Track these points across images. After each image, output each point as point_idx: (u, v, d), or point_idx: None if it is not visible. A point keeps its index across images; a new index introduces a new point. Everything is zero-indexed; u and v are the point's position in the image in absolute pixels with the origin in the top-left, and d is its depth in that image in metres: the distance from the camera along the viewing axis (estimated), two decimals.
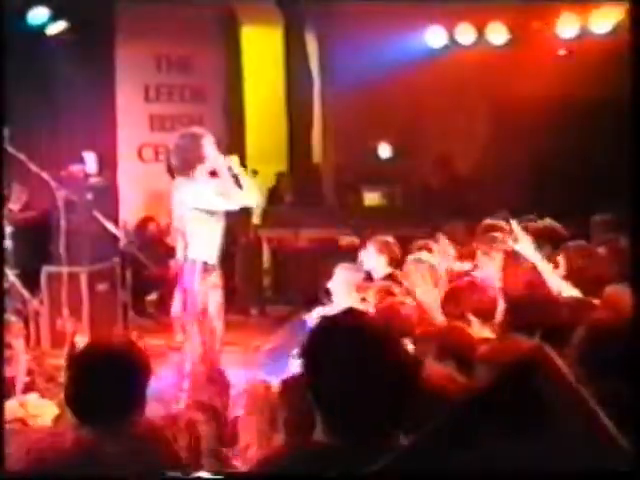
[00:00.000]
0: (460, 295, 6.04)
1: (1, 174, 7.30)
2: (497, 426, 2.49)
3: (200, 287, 8.21)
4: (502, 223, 8.50)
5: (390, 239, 8.58)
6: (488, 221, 8.94)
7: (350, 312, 2.99)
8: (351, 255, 9.10)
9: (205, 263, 8.19)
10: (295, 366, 4.84)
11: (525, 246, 7.06)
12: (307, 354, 2.71)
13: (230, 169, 8.04)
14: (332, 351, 2.64)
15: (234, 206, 8.13)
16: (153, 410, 8.37)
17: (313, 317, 8.03)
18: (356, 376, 2.58)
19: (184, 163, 8.19)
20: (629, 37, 5.16)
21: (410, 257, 7.81)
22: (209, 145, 8.15)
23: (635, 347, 3.66)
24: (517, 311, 5.18)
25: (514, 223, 7.47)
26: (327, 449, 2.61)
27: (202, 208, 8.05)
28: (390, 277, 7.98)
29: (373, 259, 8.40)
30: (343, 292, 7.73)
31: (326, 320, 2.90)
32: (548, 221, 8.36)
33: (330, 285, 7.82)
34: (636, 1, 5.03)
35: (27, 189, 11.41)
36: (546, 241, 7.66)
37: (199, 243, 8.26)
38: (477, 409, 2.56)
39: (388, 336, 2.73)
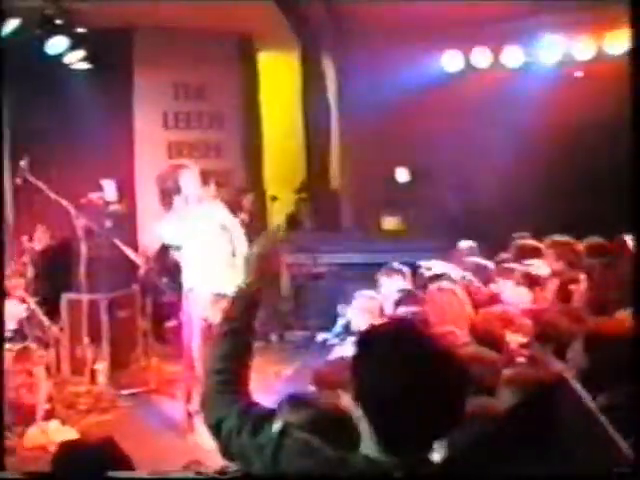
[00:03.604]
0: (490, 323, 6.05)
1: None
2: (519, 449, 2.50)
3: (198, 317, 8.36)
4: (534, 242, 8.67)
5: (396, 265, 8.66)
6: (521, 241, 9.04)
7: (398, 321, 2.93)
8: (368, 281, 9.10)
9: (208, 293, 8.33)
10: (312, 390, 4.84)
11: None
12: (354, 364, 2.66)
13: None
14: (378, 360, 2.59)
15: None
16: (168, 438, 8.44)
17: (330, 338, 8.07)
18: (404, 385, 2.53)
19: (162, 194, 8.49)
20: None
21: (432, 286, 7.81)
22: (188, 177, 8.39)
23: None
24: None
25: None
26: (374, 463, 2.57)
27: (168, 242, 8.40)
28: (408, 293, 8.03)
29: (389, 285, 8.45)
30: (360, 319, 7.74)
31: (373, 329, 2.83)
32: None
33: (348, 313, 7.84)
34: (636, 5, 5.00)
35: (49, 230, 11.51)
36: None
37: (191, 272, 8.44)
38: (502, 433, 2.57)
39: (437, 344, 2.67)
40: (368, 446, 2.61)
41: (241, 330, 3.10)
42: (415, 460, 2.54)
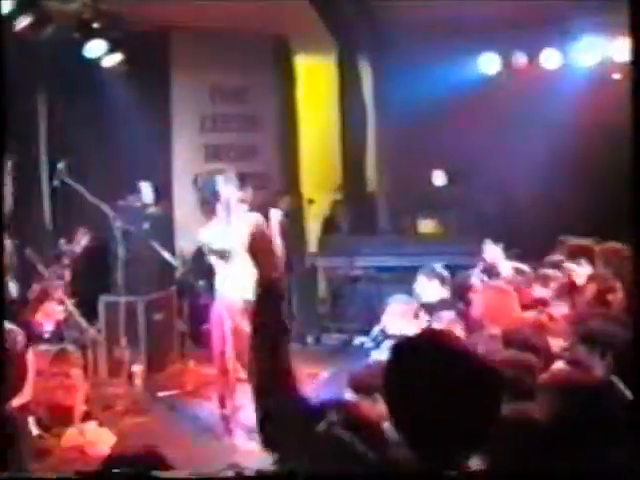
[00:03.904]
0: (523, 334, 6.02)
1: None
2: (569, 449, 2.48)
3: (229, 322, 8.35)
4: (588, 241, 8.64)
5: (437, 266, 8.64)
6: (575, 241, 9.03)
7: (429, 332, 2.89)
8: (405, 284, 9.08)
9: (239, 299, 8.32)
10: (349, 396, 4.83)
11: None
12: (385, 376, 2.64)
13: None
14: (408, 373, 2.57)
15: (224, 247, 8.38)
16: (204, 441, 8.43)
17: (367, 341, 8.06)
18: (436, 398, 2.50)
19: (201, 200, 8.48)
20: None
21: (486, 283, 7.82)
22: (225, 182, 8.38)
23: None
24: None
25: None
26: (409, 469, 2.55)
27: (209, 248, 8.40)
28: (446, 301, 8.02)
29: (426, 287, 8.43)
30: (396, 324, 7.74)
31: (405, 341, 2.80)
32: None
33: (384, 317, 7.83)
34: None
35: (89, 233, 11.55)
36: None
37: (223, 277, 8.43)
38: (547, 434, 2.56)
39: (469, 355, 2.64)
40: (402, 453, 2.59)
41: (269, 323, 3.09)
42: (449, 467, 2.52)
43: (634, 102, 4.74)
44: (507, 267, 8.29)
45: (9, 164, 6.07)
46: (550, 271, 8.21)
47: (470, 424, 2.52)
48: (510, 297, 7.13)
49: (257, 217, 8.67)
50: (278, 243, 8.46)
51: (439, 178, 14.46)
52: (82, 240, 11.76)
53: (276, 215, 8.36)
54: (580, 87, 12.82)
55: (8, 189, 6.17)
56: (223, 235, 8.37)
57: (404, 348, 2.70)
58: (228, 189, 8.37)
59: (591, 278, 7.72)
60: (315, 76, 14.90)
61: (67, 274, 10.48)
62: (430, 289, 8.41)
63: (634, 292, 5.76)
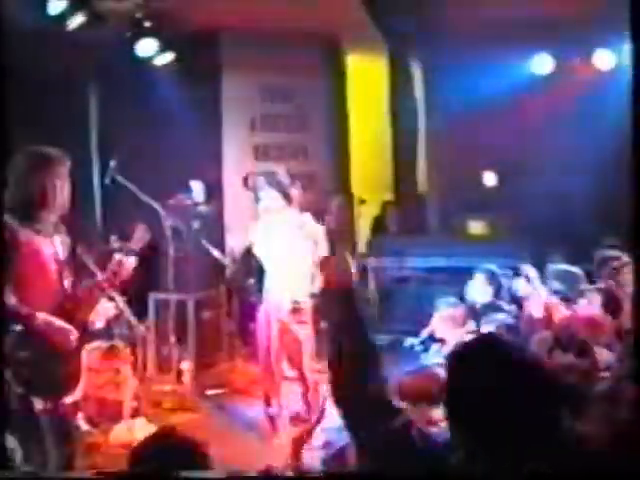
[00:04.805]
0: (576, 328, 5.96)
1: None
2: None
3: (276, 321, 8.36)
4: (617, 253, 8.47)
5: (496, 269, 8.57)
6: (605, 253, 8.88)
7: (488, 337, 2.90)
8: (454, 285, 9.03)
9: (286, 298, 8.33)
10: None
11: None
12: (448, 381, 2.66)
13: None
14: (472, 376, 2.57)
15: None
16: (250, 440, 8.44)
17: (416, 344, 8.04)
18: (498, 401, 2.50)
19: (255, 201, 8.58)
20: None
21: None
22: (269, 184, 8.43)
23: None
24: None
25: None
26: (466, 473, 2.55)
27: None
28: (495, 304, 7.98)
29: (481, 289, 8.37)
30: (444, 327, 7.71)
31: (464, 346, 2.82)
32: None
33: (432, 321, 7.80)
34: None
35: (149, 231, 11.62)
36: None
37: (271, 276, 8.46)
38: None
39: (530, 361, 2.65)
40: (459, 456, 2.57)
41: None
42: (507, 473, 2.50)
43: (634, 102, 4.69)
44: (543, 291, 8.09)
45: (68, 163, 6.09)
46: (596, 286, 8.07)
47: (531, 421, 2.51)
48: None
49: (305, 219, 8.68)
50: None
51: (490, 179, 14.39)
52: (143, 238, 11.82)
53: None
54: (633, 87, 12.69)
55: (67, 188, 6.18)
56: (267, 236, 8.41)
57: (464, 353, 2.70)
58: (272, 190, 8.40)
59: None
60: (366, 76, 14.87)
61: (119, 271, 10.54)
62: (483, 291, 8.36)
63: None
